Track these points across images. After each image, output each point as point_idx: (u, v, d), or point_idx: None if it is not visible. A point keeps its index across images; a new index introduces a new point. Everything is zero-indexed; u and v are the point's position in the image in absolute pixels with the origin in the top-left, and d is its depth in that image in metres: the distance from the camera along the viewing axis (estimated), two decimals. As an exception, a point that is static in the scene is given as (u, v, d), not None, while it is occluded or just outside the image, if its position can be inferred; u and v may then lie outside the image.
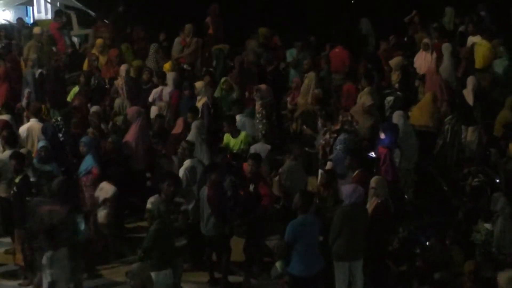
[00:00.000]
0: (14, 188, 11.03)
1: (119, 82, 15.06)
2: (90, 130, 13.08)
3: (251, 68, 15.71)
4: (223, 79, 15.21)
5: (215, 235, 10.71)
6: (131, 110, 13.37)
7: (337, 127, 12.57)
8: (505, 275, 8.98)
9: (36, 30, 17.75)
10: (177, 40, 17.46)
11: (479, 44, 16.40)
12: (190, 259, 11.36)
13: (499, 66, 15.78)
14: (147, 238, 9.71)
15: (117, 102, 14.67)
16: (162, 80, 15.08)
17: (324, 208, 10.77)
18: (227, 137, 12.93)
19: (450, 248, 10.28)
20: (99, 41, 17.27)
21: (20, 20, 20.04)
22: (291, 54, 16.25)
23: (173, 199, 10.44)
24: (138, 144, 12.81)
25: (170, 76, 15.07)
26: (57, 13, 19.71)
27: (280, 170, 11.72)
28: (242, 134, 12.86)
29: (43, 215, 10.13)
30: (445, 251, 10.16)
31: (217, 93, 15.09)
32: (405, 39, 17.98)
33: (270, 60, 16.53)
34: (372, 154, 11.92)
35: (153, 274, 9.43)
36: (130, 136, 12.91)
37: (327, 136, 12.61)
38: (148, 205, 10.32)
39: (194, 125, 12.55)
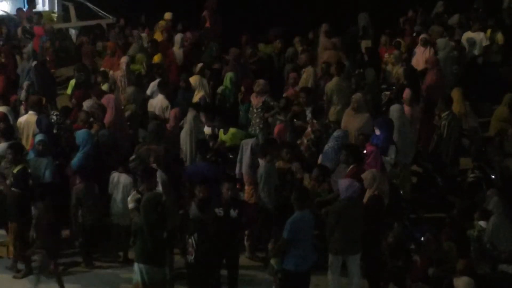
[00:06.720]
0: (11, 178, 10.92)
1: (118, 74, 15.04)
2: (95, 123, 12.76)
3: (246, 62, 15.69)
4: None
5: None
6: (105, 99, 13.27)
7: (309, 136, 12.46)
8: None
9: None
10: None
11: None
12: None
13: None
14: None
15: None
16: (161, 72, 15.00)
17: (318, 202, 10.77)
18: (221, 133, 12.94)
19: (445, 245, 10.29)
20: None
21: (20, 10, 19.86)
22: None
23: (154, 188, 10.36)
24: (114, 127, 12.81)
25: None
26: None
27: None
28: (231, 130, 12.83)
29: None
30: (440, 247, 10.16)
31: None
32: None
33: (254, 52, 16.47)
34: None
35: (144, 267, 9.40)
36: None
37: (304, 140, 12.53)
38: (130, 205, 10.27)
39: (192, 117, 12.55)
